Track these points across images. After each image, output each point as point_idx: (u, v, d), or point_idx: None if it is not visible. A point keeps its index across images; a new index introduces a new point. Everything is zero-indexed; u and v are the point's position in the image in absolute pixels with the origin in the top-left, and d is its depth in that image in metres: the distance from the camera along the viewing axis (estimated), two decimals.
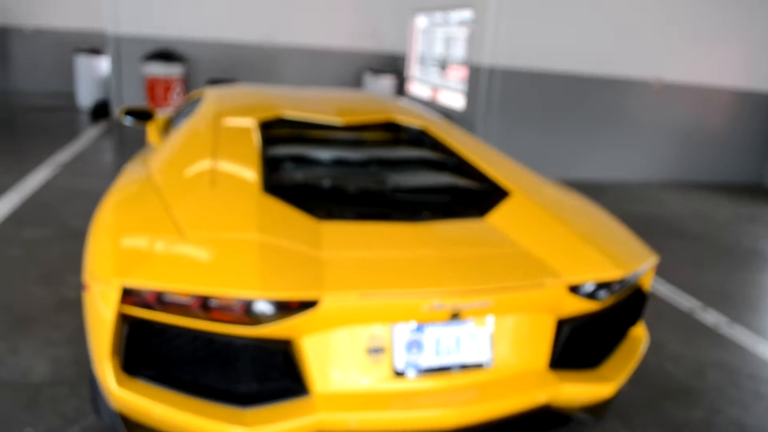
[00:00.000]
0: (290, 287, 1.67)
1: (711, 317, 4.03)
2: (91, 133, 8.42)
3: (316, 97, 3.43)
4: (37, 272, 3.86)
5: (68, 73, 11.57)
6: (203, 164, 2.34)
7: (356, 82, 10.56)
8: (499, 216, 2.28)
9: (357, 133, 3.09)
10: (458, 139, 3.00)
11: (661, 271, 4.80)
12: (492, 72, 7.29)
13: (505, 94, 7.38)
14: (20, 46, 11.96)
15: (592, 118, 7.78)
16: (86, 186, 5.87)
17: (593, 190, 7.39)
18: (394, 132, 3.27)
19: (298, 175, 2.47)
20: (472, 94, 7.64)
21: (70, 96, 10.92)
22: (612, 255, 2.10)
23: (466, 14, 8.09)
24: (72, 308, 3.42)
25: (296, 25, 10.09)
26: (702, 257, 5.28)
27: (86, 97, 10.39)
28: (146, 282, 1.65)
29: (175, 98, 9.30)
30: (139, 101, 9.49)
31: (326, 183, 2.41)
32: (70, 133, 8.31)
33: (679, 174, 8.40)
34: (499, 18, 7.13)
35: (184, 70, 9.49)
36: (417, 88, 9.95)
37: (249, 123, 2.78)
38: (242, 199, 2.07)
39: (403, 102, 3.68)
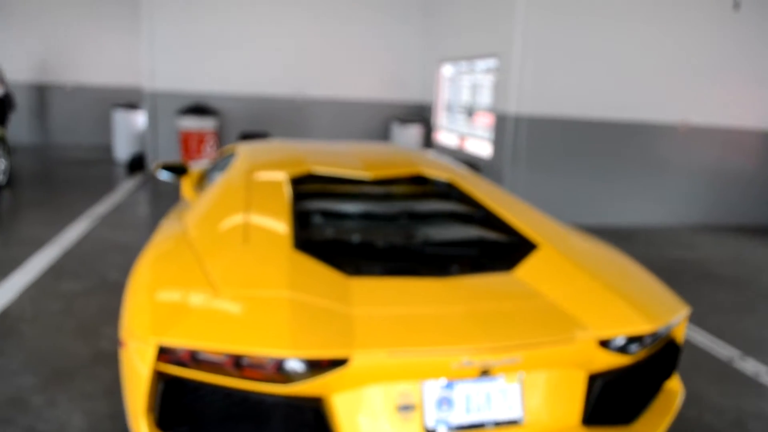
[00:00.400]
0: (320, 346, 1.70)
1: (750, 366, 3.92)
2: (127, 186, 8.67)
3: (345, 152, 3.51)
4: (74, 325, 3.95)
5: (106, 128, 12.01)
6: (236, 220, 2.41)
7: (384, 132, 10.74)
8: (527, 269, 2.29)
9: (385, 187, 3.15)
10: (485, 191, 3.04)
11: (696, 318, 4.71)
12: (518, 120, 7.36)
13: (532, 141, 7.43)
14: (61, 102, 12.49)
15: (620, 163, 7.77)
16: (123, 239, 6.02)
17: (622, 236, 7.32)
18: (421, 185, 3.32)
19: (328, 230, 2.53)
20: (498, 142, 7.71)
21: (107, 149, 11.31)
22: (642, 308, 2.09)
23: (491, 62, 8.23)
24: (108, 361, 3.48)
25: (325, 78, 10.36)
26: (738, 302, 5.16)
27: (123, 150, 10.74)
28: (181, 341, 1.70)
29: (208, 151, 9.56)
30: (174, 154, 9.78)
31: (355, 238, 2.46)
32: (108, 186, 8.58)
33: (708, 217, 8.29)
34: (524, 66, 7.24)
35: (216, 123, 9.77)
36: (444, 136, 10.07)
37: (280, 179, 2.86)
38: (274, 256, 2.13)
39: (429, 154, 3.74)
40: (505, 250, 2.54)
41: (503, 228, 2.67)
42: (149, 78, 9.75)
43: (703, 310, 4.95)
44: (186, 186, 4.31)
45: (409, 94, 10.83)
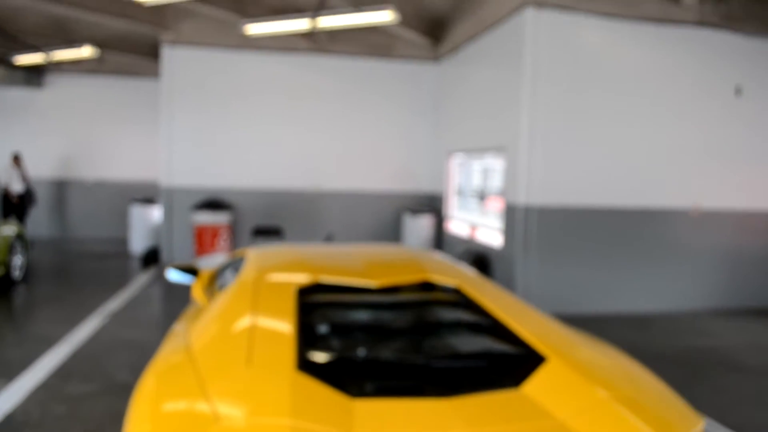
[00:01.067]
0: None
1: None
2: (141, 280, 8.74)
3: (352, 257, 3.55)
4: (79, 431, 3.89)
5: (123, 221, 12.26)
6: (241, 337, 2.43)
7: (396, 222, 10.84)
8: (535, 385, 2.26)
9: (392, 296, 3.15)
10: (493, 298, 3.03)
11: (720, 412, 4.53)
12: (527, 210, 7.43)
13: (542, 230, 7.46)
14: (80, 196, 12.86)
15: (632, 250, 7.74)
16: (133, 337, 6.01)
17: (637, 325, 7.19)
18: (428, 291, 3.32)
19: (333, 346, 2.53)
20: (508, 231, 7.75)
21: (124, 242, 11.51)
22: (656, 424, 2.05)
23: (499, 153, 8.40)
24: None
25: (337, 171, 10.60)
26: (764, 394, 4.98)
27: (138, 243, 10.92)
28: None
29: (222, 244, 9.68)
30: (188, 247, 9.91)
31: (360, 354, 2.46)
32: (121, 280, 8.65)
33: (725, 301, 8.14)
34: (532, 159, 7.38)
35: (230, 217, 9.94)
36: (455, 225, 10.14)
37: (287, 291, 2.89)
38: (277, 379, 2.14)
39: (436, 257, 3.77)
40: (513, 363, 2.50)
41: (511, 338, 2.65)
42: (166, 174, 10.04)
43: (727, 403, 4.78)
44: (196, 288, 4.36)
45: (419, 184, 11.02)
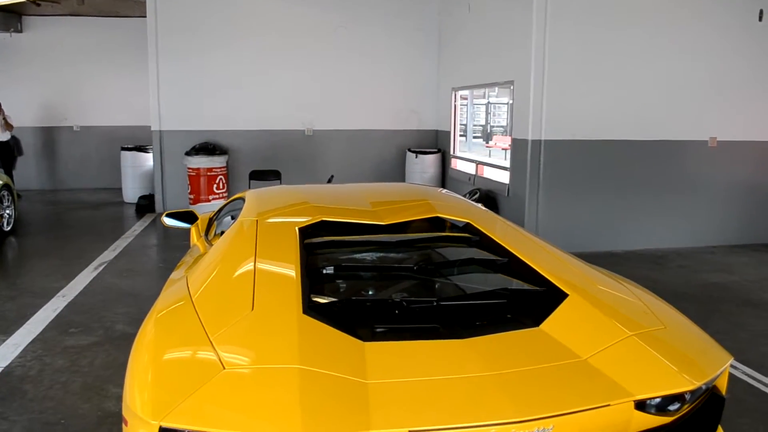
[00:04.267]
0: (334, 430, 1.53)
1: None
2: (135, 229, 8.47)
3: (355, 196, 3.30)
4: (79, 384, 3.68)
5: (115, 169, 11.83)
6: (243, 281, 2.20)
7: (400, 162, 10.50)
8: (556, 323, 2.05)
9: (400, 234, 2.88)
10: (506, 234, 2.79)
11: (738, 349, 4.35)
12: (537, 145, 7.10)
13: (552, 167, 7.16)
14: (68, 144, 12.39)
15: (647, 184, 7.46)
16: (130, 286, 5.77)
17: (653, 261, 6.98)
18: (438, 229, 3.05)
19: (341, 287, 2.31)
20: (517, 169, 7.45)
21: (116, 191, 11.15)
22: (682, 363, 1.89)
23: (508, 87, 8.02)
24: (114, 424, 3.21)
25: (337, 109, 10.18)
26: None
27: (132, 191, 10.58)
28: (184, 424, 1.55)
29: (218, 190, 9.36)
30: (183, 194, 9.56)
31: (370, 296, 2.24)
32: (116, 229, 8.37)
33: (743, 236, 7.91)
34: (542, 90, 7.00)
35: (226, 161, 9.59)
36: (460, 164, 9.82)
37: (289, 231, 2.62)
38: (283, 323, 1.93)
39: (444, 194, 3.50)
40: (531, 301, 2.27)
41: (528, 275, 2.40)
42: (156, 117, 9.61)
43: (746, 340, 4.60)
44: (194, 233, 4.13)
45: (423, 122, 10.62)
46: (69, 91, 12.29)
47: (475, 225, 2.85)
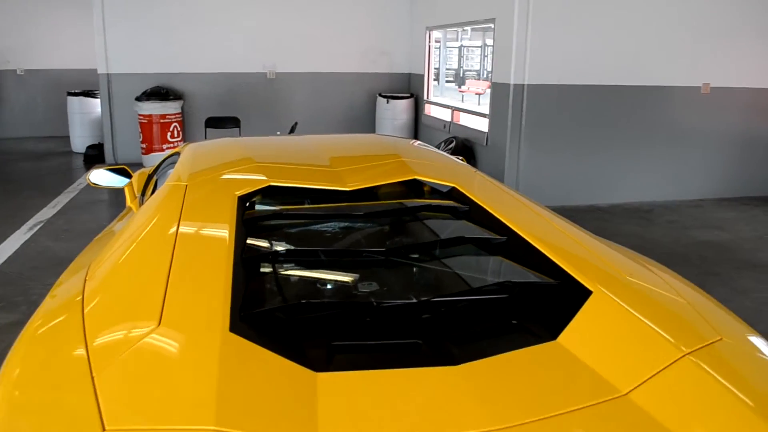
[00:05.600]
0: None
1: None
2: (81, 182, 7.72)
3: (314, 151, 2.68)
4: None
5: (64, 116, 10.93)
6: (154, 279, 1.57)
7: (370, 107, 9.80)
8: (578, 335, 1.45)
9: (369, 203, 2.28)
10: (501, 202, 2.21)
11: (747, 318, 3.92)
12: (520, 90, 6.50)
13: (535, 114, 6.58)
14: (12, 90, 11.38)
15: (635, 134, 6.94)
16: (66, 251, 5.12)
17: (640, 216, 6.53)
18: (415, 194, 2.46)
19: (289, 283, 1.70)
20: (497, 116, 6.85)
21: (65, 140, 10.30)
22: (759, 399, 1.29)
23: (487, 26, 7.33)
24: None
25: (301, 50, 9.38)
26: None
27: (80, 141, 9.75)
28: None
29: (173, 139, 8.61)
30: (135, 143, 8.78)
31: (328, 297, 1.65)
32: (59, 183, 7.62)
33: (730, 189, 7.48)
34: (526, 29, 6.34)
35: (181, 107, 8.80)
36: (435, 111, 9.18)
37: (226, 202, 2.02)
38: (199, 349, 1.31)
39: (423, 149, 2.91)
40: (541, 297, 1.72)
41: (535, 260, 1.82)
42: (103, 58, 8.74)
43: (753, 311, 4.18)
44: (129, 194, 3.52)
45: (395, 65, 9.86)
46: (11, 31, 11.18)
47: (462, 190, 2.27)
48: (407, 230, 2.08)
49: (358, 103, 9.80)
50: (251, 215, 2.00)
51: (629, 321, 1.49)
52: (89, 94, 9.80)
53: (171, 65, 8.93)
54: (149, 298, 1.48)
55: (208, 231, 1.89)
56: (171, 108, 8.56)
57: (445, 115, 8.70)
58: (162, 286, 1.52)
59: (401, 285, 1.72)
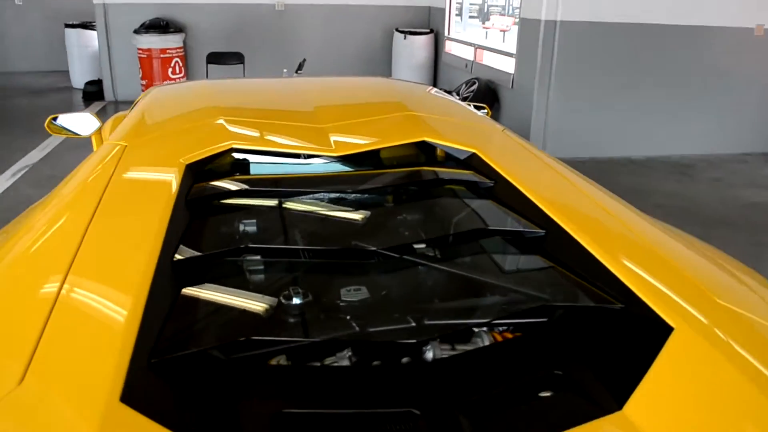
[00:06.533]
0: None
1: None
2: None
3: (303, 100, 2.13)
4: None
5: (64, 50, 10.36)
6: (41, 300, 1.07)
7: (386, 43, 9.09)
8: (656, 404, 0.92)
9: (362, 175, 1.74)
10: (538, 174, 1.67)
11: None
12: (551, 27, 5.81)
13: (568, 54, 5.90)
14: (10, 21, 10.77)
15: (676, 79, 6.24)
16: None
17: (680, 172, 5.92)
18: (424, 161, 1.92)
19: (232, 310, 1.19)
20: (525, 56, 6.18)
21: (66, 75, 9.76)
22: None
23: None
24: None
25: None
26: None
27: (80, 75, 9.22)
28: None
29: (174, 75, 8.04)
30: (136, 79, 8.23)
31: (288, 327, 1.15)
32: None
33: None
34: None
35: (182, 40, 8.19)
36: (456, 48, 8.47)
37: (166, 171, 1.51)
38: None
39: (436, 98, 2.36)
40: (596, 327, 1.18)
41: (587, 267, 1.27)
42: None
43: None
44: (97, 145, 3.05)
45: None
46: None
47: (485, 158, 1.74)
48: (408, 216, 1.56)
49: (374, 38, 9.09)
50: (198, 193, 1.50)
51: (735, 380, 0.98)
52: (88, 26, 9.19)
53: None
54: (24, 334, 0.99)
55: (131, 220, 1.36)
56: (172, 42, 7.96)
57: (467, 53, 8.00)
58: (45, 314, 1.03)
59: (392, 309, 1.21)
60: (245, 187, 1.57)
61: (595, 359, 1.10)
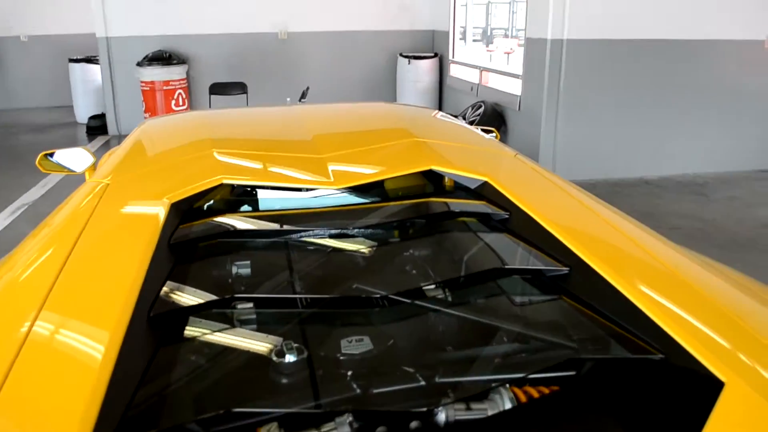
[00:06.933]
0: None
1: None
2: None
3: (303, 128, 2.01)
4: None
5: (68, 85, 10.38)
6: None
7: (390, 68, 9.03)
8: None
9: (363, 203, 1.60)
10: (552, 204, 1.52)
11: None
12: (558, 46, 5.71)
13: (575, 73, 5.79)
14: (15, 58, 10.81)
15: (687, 96, 6.11)
16: None
17: (695, 191, 5.75)
18: (433, 192, 1.78)
19: (217, 367, 1.05)
20: (532, 76, 6.07)
21: (70, 110, 9.76)
22: None
23: None
24: None
25: (316, 7, 8.62)
26: None
27: (84, 110, 9.20)
28: None
29: (178, 107, 7.99)
30: (139, 112, 8.19)
31: (275, 399, 1.00)
32: None
33: None
34: None
35: (185, 72, 8.16)
36: (461, 71, 8.39)
37: (149, 211, 1.38)
38: None
39: (443, 122, 2.23)
40: (631, 382, 1.02)
41: (618, 309, 1.10)
42: (101, 20, 8.10)
43: None
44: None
45: (417, 21, 9.04)
46: None
47: (498, 187, 1.60)
48: (415, 255, 1.42)
49: (378, 64, 9.04)
50: (184, 234, 1.36)
51: None
52: (92, 60, 9.20)
53: (174, 26, 8.26)
54: None
55: (106, 267, 1.21)
56: (175, 73, 7.92)
57: (472, 76, 7.91)
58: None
59: (399, 364, 1.07)
60: (236, 226, 1.43)
61: (632, 420, 0.96)
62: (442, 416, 0.97)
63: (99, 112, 8.81)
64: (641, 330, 1.05)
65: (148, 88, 7.88)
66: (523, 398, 1.01)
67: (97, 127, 8.47)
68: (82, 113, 9.23)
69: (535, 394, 1.03)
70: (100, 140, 8.08)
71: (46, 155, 2.93)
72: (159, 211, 1.39)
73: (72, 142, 8.03)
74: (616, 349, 1.06)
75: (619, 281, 1.14)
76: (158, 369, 1.00)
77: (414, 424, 0.97)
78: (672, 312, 1.06)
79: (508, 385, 1.03)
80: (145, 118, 7.96)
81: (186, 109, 8.10)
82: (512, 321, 1.20)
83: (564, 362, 1.04)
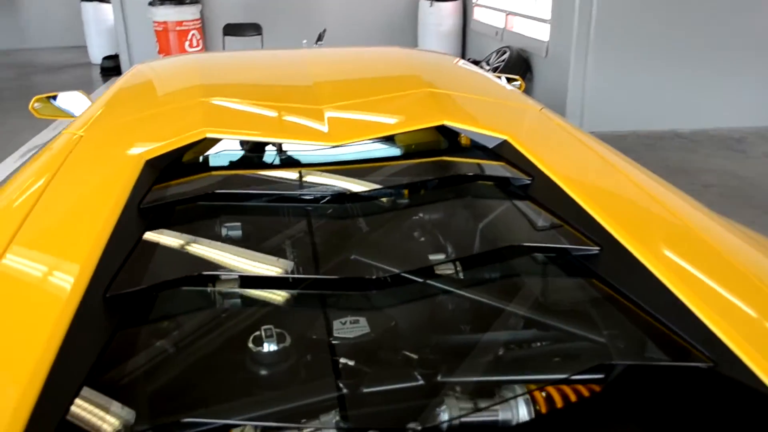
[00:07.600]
0: None
1: None
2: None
3: (305, 75, 1.81)
4: None
5: (81, 25, 10.15)
6: None
7: (412, 11, 8.64)
8: None
9: (363, 163, 1.41)
10: (583, 169, 1.32)
11: None
12: None
13: (607, 18, 5.43)
14: None
15: (725, 42, 5.71)
16: None
17: (731, 147, 5.43)
18: (445, 150, 1.58)
19: (187, 354, 0.91)
20: (560, 22, 5.73)
21: (85, 50, 9.57)
22: None
23: None
24: None
25: None
26: None
27: (98, 50, 9.02)
28: None
29: (192, 48, 7.75)
30: (153, 53, 7.97)
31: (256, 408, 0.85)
32: None
33: None
34: None
35: (199, 11, 7.88)
36: (485, 15, 8.01)
37: (121, 170, 1.21)
38: None
39: (466, 74, 2.01)
40: (673, 390, 0.85)
41: (658, 300, 0.92)
42: None
43: None
44: None
45: None
46: None
47: (520, 148, 1.39)
48: (421, 228, 1.24)
49: (398, 6, 8.66)
50: (157, 197, 1.19)
51: None
52: None
53: None
54: None
55: (64, 234, 1.05)
56: (188, 13, 7.64)
57: (497, 20, 7.53)
58: None
59: (396, 357, 0.91)
60: (217, 187, 1.26)
61: None
62: (444, 415, 0.82)
63: (113, 53, 8.62)
64: (685, 330, 0.87)
65: (161, 29, 7.63)
66: (542, 405, 0.85)
67: (111, 68, 8.30)
68: (96, 54, 9.06)
69: (558, 402, 0.86)
70: (114, 80, 7.91)
71: (39, 100, 2.76)
72: (131, 169, 1.22)
73: (87, 83, 7.89)
74: (654, 352, 0.88)
75: (660, 267, 0.96)
76: (111, 361, 0.85)
77: (411, 426, 0.81)
78: (725, 310, 0.88)
79: (525, 389, 0.87)
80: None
81: (201, 50, 7.85)
82: (528, 310, 1.03)
83: (593, 367, 0.87)
